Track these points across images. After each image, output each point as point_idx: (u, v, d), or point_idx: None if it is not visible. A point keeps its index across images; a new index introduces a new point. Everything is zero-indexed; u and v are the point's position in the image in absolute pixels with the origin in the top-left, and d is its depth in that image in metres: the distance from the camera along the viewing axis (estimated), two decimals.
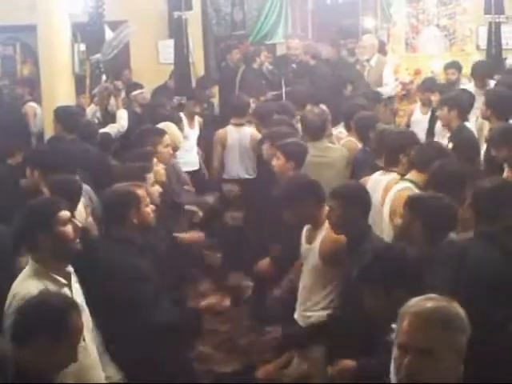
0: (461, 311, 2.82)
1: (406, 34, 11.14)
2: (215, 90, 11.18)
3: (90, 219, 5.98)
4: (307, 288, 5.40)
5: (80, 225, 4.26)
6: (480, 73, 9.44)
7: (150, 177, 5.93)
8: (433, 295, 2.89)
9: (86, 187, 6.32)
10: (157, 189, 5.92)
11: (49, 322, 3.29)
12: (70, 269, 4.15)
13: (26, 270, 4.06)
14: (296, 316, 5.47)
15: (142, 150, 6.70)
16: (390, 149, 6.11)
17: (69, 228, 4.10)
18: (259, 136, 8.21)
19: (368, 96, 8.88)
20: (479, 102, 7.97)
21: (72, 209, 4.78)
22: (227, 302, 7.21)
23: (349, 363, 4.26)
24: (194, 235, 6.69)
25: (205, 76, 12.04)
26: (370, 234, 4.96)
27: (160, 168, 6.44)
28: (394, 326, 3.65)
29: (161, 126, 7.73)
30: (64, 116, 7.94)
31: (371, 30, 13.15)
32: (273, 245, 6.60)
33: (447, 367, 2.77)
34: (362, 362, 4.17)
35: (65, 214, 4.13)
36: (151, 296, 4.77)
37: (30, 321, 3.32)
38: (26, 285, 3.88)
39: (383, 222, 5.57)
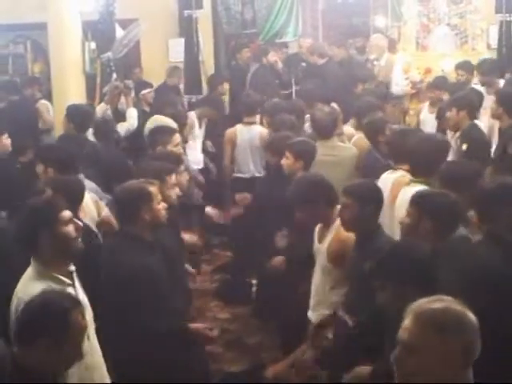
0: (467, 317, 2.79)
1: (417, 33, 11.14)
2: (226, 86, 11.12)
3: (107, 211, 5.97)
4: (316, 287, 5.44)
5: (81, 224, 4.24)
6: (487, 71, 9.36)
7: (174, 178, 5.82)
8: (445, 297, 2.88)
9: (95, 187, 6.33)
10: (176, 191, 5.81)
11: (52, 321, 3.25)
12: (72, 267, 4.12)
13: (29, 272, 4.03)
14: (309, 314, 5.51)
15: (169, 152, 6.71)
16: (397, 146, 6.12)
17: (70, 227, 4.07)
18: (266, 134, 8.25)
19: (376, 94, 8.86)
20: (489, 101, 7.95)
21: (75, 209, 4.76)
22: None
23: (364, 369, 4.25)
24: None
25: (214, 74, 12.01)
26: (379, 232, 4.96)
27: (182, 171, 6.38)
28: None
29: (152, 119, 7.99)
30: (75, 114, 7.95)
31: (382, 28, 13.12)
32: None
33: (433, 368, 2.77)
34: (376, 366, 4.15)
35: (66, 213, 4.09)
36: (157, 295, 4.70)
37: (34, 321, 3.29)
38: (31, 288, 3.80)
39: (394, 223, 5.55)
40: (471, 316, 2.81)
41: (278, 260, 6.32)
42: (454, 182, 5.03)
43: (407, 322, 2.83)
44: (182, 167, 6.35)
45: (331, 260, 5.23)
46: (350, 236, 5.03)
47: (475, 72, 9.72)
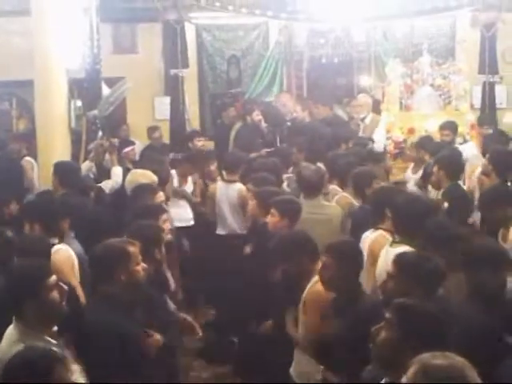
0: (468, 378, 2.82)
1: (401, 93, 11.22)
2: (198, 142, 11.11)
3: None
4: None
5: (66, 288, 4.18)
6: None
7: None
8: (450, 354, 2.91)
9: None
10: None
11: (35, 379, 3.22)
12: (55, 328, 4.08)
13: (12, 333, 3.99)
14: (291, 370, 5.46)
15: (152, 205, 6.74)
16: (375, 204, 6.15)
17: (55, 293, 4.05)
18: (246, 192, 8.26)
19: (361, 155, 8.89)
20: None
21: None
22: None
23: None
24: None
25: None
26: (360, 292, 4.91)
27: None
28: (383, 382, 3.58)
29: (138, 172, 8.10)
30: (62, 171, 7.94)
31: (366, 88, 13.26)
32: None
33: None
34: None
35: (52, 279, 4.07)
36: (132, 359, 4.55)
37: (16, 379, 3.25)
38: (15, 350, 3.67)
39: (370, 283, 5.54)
40: (470, 374, 2.83)
41: (267, 325, 6.23)
42: (436, 243, 5.10)
43: (411, 371, 2.88)
44: (165, 216, 6.40)
45: (304, 311, 5.19)
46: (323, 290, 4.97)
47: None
